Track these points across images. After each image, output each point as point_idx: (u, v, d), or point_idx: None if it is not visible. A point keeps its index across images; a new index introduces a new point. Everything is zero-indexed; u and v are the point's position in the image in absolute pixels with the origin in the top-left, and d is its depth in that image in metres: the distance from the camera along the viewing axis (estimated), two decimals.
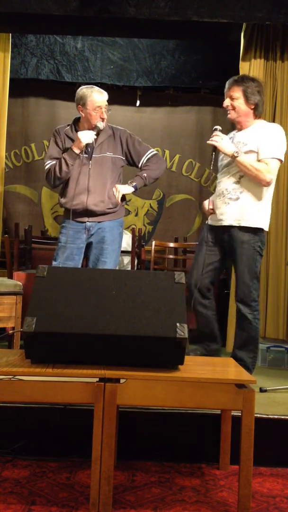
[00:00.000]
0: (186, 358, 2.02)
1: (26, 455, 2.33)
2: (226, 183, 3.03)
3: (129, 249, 5.24)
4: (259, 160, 2.95)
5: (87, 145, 3.23)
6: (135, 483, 2.14)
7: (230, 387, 1.89)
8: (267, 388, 2.88)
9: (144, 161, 3.32)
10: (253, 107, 3.03)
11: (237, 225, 2.96)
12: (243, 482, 1.87)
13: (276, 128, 3.06)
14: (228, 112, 3.07)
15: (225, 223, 3.00)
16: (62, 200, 3.31)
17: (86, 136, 3.15)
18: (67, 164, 3.20)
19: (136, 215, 6.77)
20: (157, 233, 6.73)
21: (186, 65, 5.95)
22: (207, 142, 3.04)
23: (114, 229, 3.27)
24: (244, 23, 4.10)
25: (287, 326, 4.09)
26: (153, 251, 4.30)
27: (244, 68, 4.17)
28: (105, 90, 3.39)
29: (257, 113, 3.06)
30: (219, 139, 2.99)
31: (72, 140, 3.26)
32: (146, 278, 2.10)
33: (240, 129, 3.10)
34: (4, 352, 2.33)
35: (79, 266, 3.29)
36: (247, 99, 3.00)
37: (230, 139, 3.07)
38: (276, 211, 4.14)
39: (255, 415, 1.90)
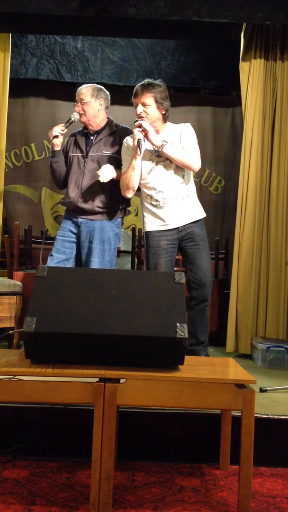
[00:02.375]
0: (186, 358, 2.02)
1: (26, 455, 2.33)
2: (173, 185, 3.09)
3: (129, 249, 5.24)
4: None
5: (86, 143, 3.24)
6: (135, 483, 2.14)
7: (230, 387, 1.89)
8: (267, 388, 2.88)
9: None
10: (164, 112, 3.10)
11: (195, 220, 3.16)
12: (243, 482, 1.87)
13: (189, 126, 3.20)
14: (142, 119, 3.09)
15: (184, 222, 3.11)
16: (61, 200, 3.35)
17: (51, 130, 3.18)
18: (51, 164, 3.27)
19: (136, 215, 6.77)
20: None
21: (186, 65, 5.95)
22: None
23: (106, 230, 3.23)
24: (244, 23, 4.10)
25: (287, 326, 4.09)
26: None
27: (244, 68, 4.17)
28: (106, 90, 3.40)
29: (166, 117, 3.15)
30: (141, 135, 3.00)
31: (75, 141, 3.30)
32: (146, 278, 2.10)
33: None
34: (4, 352, 2.33)
35: (71, 260, 3.27)
36: (159, 105, 3.08)
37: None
38: (276, 211, 4.14)
39: (255, 415, 1.90)
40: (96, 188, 3.20)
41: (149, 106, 3.08)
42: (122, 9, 3.74)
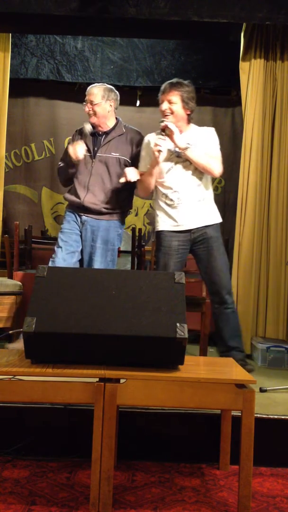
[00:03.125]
0: (186, 358, 2.02)
1: (26, 455, 2.33)
2: (189, 186, 3.07)
3: (129, 249, 5.24)
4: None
5: (94, 143, 3.24)
6: (135, 483, 2.14)
7: (230, 387, 1.89)
8: (267, 388, 2.88)
9: None
10: (189, 112, 3.07)
11: (209, 223, 3.10)
12: (243, 482, 1.87)
13: (213, 130, 3.21)
14: (166, 116, 3.08)
15: (197, 224, 3.08)
16: (66, 194, 3.34)
17: (75, 153, 3.14)
18: (64, 168, 3.28)
19: (136, 215, 6.77)
20: None
21: (186, 65, 5.94)
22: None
23: (110, 230, 3.24)
24: (244, 23, 4.10)
25: (287, 326, 4.09)
26: (153, 251, 4.29)
27: (244, 68, 4.17)
28: (116, 91, 3.39)
29: (190, 118, 3.14)
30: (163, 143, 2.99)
31: (82, 139, 3.28)
32: (146, 278, 2.10)
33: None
34: (4, 352, 2.33)
35: (77, 253, 3.26)
36: (185, 104, 3.06)
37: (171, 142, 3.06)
38: (276, 211, 4.14)
39: (255, 415, 1.90)
40: (104, 189, 3.21)
41: (174, 104, 3.06)
42: (122, 9, 3.74)
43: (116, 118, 3.39)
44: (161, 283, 2.08)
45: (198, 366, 2.18)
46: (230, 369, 2.15)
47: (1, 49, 4.31)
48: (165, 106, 3.09)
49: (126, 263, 5.50)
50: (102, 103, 3.25)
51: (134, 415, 2.40)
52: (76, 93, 6.27)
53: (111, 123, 3.32)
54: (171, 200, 3.08)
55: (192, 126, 3.18)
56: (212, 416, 2.39)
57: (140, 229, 5.82)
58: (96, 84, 3.37)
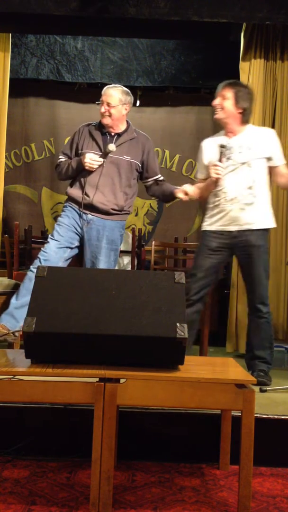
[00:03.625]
0: (186, 358, 2.02)
1: (26, 455, 2.33)
2: (238, 188, 3.05)
3: (129, 249, 5.23)
4: (273, 167, 3.11)
5: (104, 142, 3.25)
6: (135, 483, 2.14)
7: (230, 387, 1.89)
8: (267, 388, 2.88)
9: (153, 182, 3.38)
10: (240, 111, 3.07)
11: (254, 228, 3.04)
12: (243, 482, 1.87)
13: (274, 132, 3.20)
14: (216, 111, 3.10)
15: (242, 228, 3.04)
16: (70, 190, 3.31)
17: (91, 163, 3.15)
18: (71, 170, 3.27)
19: (136, 215, 6.77)
20: (157, 233, 6.73)
21: (186, 65, 5.95)
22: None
23: (115, 230, 3.26)
24: (244, 23, 4.10)
25: (287, 326, 4.09)
26: (153, 251, 4.30)
27: (244, 68, 4.18)
28: (131, 95, 3.40)
29: (244, 119, 3.11)
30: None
31: (92, 137, 3.26)
32: (146, 278, 2.10)
33: (231, 134, 3.11)
34: (4, 352, 2.33)
35: (68, 250, 3.25)
36: (236, 101, 3.06)
37: (227, 144, 3.07)
38: (276, 211, 4.13)
39: (255, 415, 1.90)
40: (113, 190, 3.22)
41: (226, 100, 3.07)
42: (122, 9, 3.74)
43: (127, 122, 3.39)
44: (161, 283, 2.08)
45: (198, 366, 2.18)
46: (230, 369, 2.15)
47: (1, 49, 4.31)
48: (216, 101, 3.11)
49: (126, 263, 5.50)
50: (119, 106, 3.26)
51: (134, 415, 2.40)
52: (76, 93, 6.29)
53: (123, 125, 3.34)
54: (219, 200, 3.09)
55: (249, 127, 3.17)
56: (212, 416, 2.39)
57: (140, 229, 5.83)
58: (114, 85, 3.35)
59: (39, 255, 3.25)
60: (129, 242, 5.57)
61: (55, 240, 3.23)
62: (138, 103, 6.52)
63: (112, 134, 3.30)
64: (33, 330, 1.90)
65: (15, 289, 3.54)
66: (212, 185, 3.09)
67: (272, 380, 3.05)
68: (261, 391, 2.83)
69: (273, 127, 4.16)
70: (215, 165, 3.00)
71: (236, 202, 3.04)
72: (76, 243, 3.27)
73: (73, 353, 1.98)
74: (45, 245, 3.27)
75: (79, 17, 3.87)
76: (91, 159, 3.16)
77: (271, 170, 3.12)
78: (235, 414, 2.27)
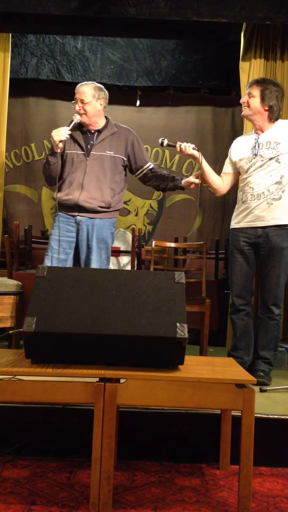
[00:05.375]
0: (186, 358, 2.02)
1: (26, 455, 2.33)
2: (266, 183, 3.03)
3: (129, 249, 5.24)
4: None
5: (85, 141, 3.23)
6: (135, 483, 2.14)
7: (230, 387, 1.89)
8: (267, 388, 2.88)
9: (145, 171, 3.35)
10: (267, 108, 3.07)
11: (280, 224, 3.02)
12: (243, 482, 1.87)
13: None
14: (244, 108, 3.14)
15: (268, 223, 3.03)
16: (57, 194, 3.29)
17: (57, 134, 3.13)
18: (48, 163, 3.24)
19: (136, 215, 6.77)
20: (157, 233, 6.73)
21: (186, 65, 5.95)
22: None
23: (104, 228, 3.23)
24: (244, 23, 4.10)
25: (287, 326, 4.09)
26: (153, 251, 4.30)
27: (244, 68, 4.17)
28: (105, 90, 3.39)
29: (272, 116, 3.10)
30: None
31: (73, 138, 3.26)
32: (146, 278, 2.10)
33: (259, 131, 3.12)
34: (4, 352, 2.33)
35: (69, 260, 3.24)
36: (262, 99, 3.06)
37: (254, 140, 3.10)
38: None
39: (255, 415, 1.90)
40: (99, 187, 3.20)
41: (253, 98, 3.08)
42: (122, 9, 3.74)
43: (106, 117, 3.37)
44: (161, 283, 2.08)
45: (198, 366, 2.18)
46: (230, 369, 2.15)
47: (1, 49, 4.31)
48: (243, 98, 3.14)
49: (126, 263, 5.51)
50: (93, 102, 3.24)
51: (134, 415, 2.40)
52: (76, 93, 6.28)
53: (102, 121, 3.32)
54: (246, 196, 3.09)
55: (279, 123, 3.14)
56: (212, 416, 2.39)
57: (140, 229, 5.83)
58: (85, 82, 3.34)
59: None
60: (129, 242, 5.58)
61: (49, 256, 3.23)
62: (138, 103, 6.53)
63: (92, 131, 3.29)
64: (33, 330, 1.90)
65: (18, 289, 3.56)
66: (201, 165, 3.15)
67: (272, 380, 3.05)
68: (261, 391, 2.83)
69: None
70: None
71: (263, 197, 3.03)
72: (71, 251, 3.26)
73: (73, 353, 1.98)
74: (44, 263, 3.26)
75: (79, 17, 3.86)
76: (56, 131, 3.16)
77: None
78: (235, 414, 2.27)
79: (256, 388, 2.36)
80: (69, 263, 3.27)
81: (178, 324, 1.93)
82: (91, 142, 3.25)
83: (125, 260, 5.71)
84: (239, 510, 1.87)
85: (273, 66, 4.17)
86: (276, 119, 3.12)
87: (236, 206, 3.21)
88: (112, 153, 3.25)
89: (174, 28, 4.27)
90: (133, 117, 6.57)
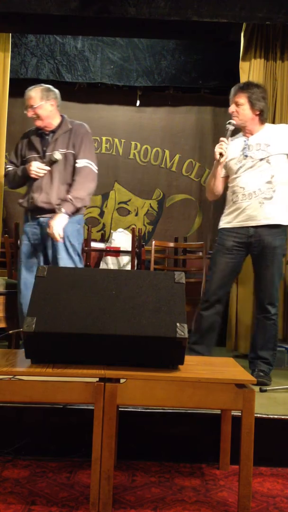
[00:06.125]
0: (186, 358, 2.02)
1: (26, 455, 2.33)
2: (257, 183, 3.03)
3: (129, 249, 5.24)
4: None
5: (42, 143, 3.26)
6: (135, 483, 2.14)
7: (230, 387, 1.89)
8: (267, 388, 2.88)
9: (76, 172, 3.24)
10: (258, 113, 3.08)
11: (272, 223, 3.02)
12: (243, 482, 1.87)
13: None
14: (234, 119, 3.12)
15: (259, 223, 3.02)
16: (20, 200, 3.33)
17: (36, 171, 3.18)
18: (17, 178, 3.30)
19: (136, 215, 6.77)
20: (157, 233, 6.73)
21: (186, 65, 5.95)
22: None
23: (67, 226, 3.17)
24: (244, 23, 4.10)
25: (286, 326, 4.09)
26: (153, 251, 4.30)
27: (244, 68, 4.17)
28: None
29: (263, 118, 3.12)
30: None
31: (31, 142, 3.28)
32: (146, 278, 2.10)
33: (248, 134, 3.12)
34: (4, 352, 2.33)
35: (41, 262, 3.25)
36: (252, 105, 3.07)
37: (244, 142, 3.09)
38: None
39: (255, 415, 1.90)
40: (55, 187, 3.19)
41: (241, 106, 3.09)
42: (122, 9, 3.74)
43: (61, 116, 3.36)
44: (161, 283, 2.08)
45: (198, 366, 2.18)
46: (230, 369, 2.15)
47: (1, 49, 4.31)
48: (232, 108, 3.14)
49: (126, 263, 5.51)
50: (43, 104, 3.23)
51: (134, 415, 2.40)
52: (76, 93, 6.28)
53: (56, 121, 3.31)
54: (237, 196, 3.08)
55: (267, 125, 3.17)
56: (212, 416, 2.39)
57: (140, 229, 5.83)
58: (33, 86, 3.31)
59: (20, 283, 3.29)
60: (129, 242, 5.58)
61: (23, 261, 3.26)
62: (138, 103, 6.52)
63: (47, 132, 3.29)
64: (33, 330, 1.90)
65: (13, 288, 3.55)
66: (217, 168, 3.08)
67: (272, 380, 3.05)
68: (261, 391, 2.83)
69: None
70: (221, 141, 3.00)
71: (255, 196, 3.02)
72: (40, 253, 3.26)
73: (73, 353, 1.98)
74: (18, 269, 3.30)
75: (79, 17, 3.87)
76: (38, 167, 3.18)
77: None
78: (235, 414, 2.27)
79: (256, 388, 2.36)
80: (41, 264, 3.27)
81: (178, 324, 1.93)
82: (47, 143, 3.24)
83: (125, 260, 5.71)
84: (239, 510, 1.87)
85: (273, 66, 4.17)
86: (266, 120, 3.15)
87: (226, 207, 3.19)
88: (64, 150, 3.22)
89: (174, 28, 4.27)
90: (133, 117, 6.57)
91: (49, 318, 1.93)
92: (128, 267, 5.31)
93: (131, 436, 2.39)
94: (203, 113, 6.58)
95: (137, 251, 4.91)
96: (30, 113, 3.24)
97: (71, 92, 6.26)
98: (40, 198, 3.20)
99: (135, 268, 4.83)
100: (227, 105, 6.99)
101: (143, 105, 6.54)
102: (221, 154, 2.99)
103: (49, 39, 5.77)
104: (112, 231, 6.46)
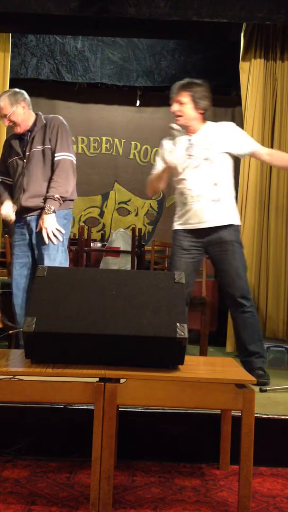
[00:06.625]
0: (186, 358, 2.02)
1: (26, 455, 2.33)
2: (204, 184, 3.01)
3: (129, 249, 5.24)
4: (234, 156, 3.08)
5: (21, 145, 3.24)
6: (135, 483, 2.15)
7: (230, 387, 1.89)
8: (267, 388, 2.88)
9: (54, 165, 3.19)
10: (201, 112, 3.04)
11: (224, 224, 3.01)
12: (243, 482, 1.87)
13: (232, 124, 3.17)
14: (177, 119, 3.03)
15: (212, 224, 3.01)
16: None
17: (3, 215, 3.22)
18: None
19: (136, 215, 6.78)
20: (157, 233, 6.73)
21: (186, 65, 5.95)
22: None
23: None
24: (244, 23, 4.11)
25: (287, 326, 4.10)
26: (153, 251, 4.30)
27: (244, 68, 4.18)
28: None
29: (205, 117, 3.08)
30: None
31: (11, 146, 3.28)
32: (146, 278, 2.10)
33: (191, 133, 3.08)
34: (4, 352, 2.33)
35: (29, 262, 3.26)
36: (195, 104, 3.01)
37: (188, 140, 3.06)
38: (276, 211, 4.14)
39: (255, 415, 1.90)
40: (36, 184, 3.18)
41: (185, 105, 3.02)
42: (122, 9, 3.75)
43: (36, 114, 3.32)
44: (161, 283, 2.08)
45: (198, 366, 2.18)
46: (230, 369, 2.15)
47: (1, 49, 4.31)
48: (175, 107, 3.06)
49: (126, 263, 5.51)
50: (15, 110, 3.18)
51: (134, 415, 2.40)
52: (76, 93, 6.29)
53: (31, 121, 3.28)
54: (185, 198, 3.05)
55: (208, 123, 3.13)
56: (212, 416, 2.39)
57: (140, 229, 5.83)
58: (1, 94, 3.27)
59: (12, 284, 3.32)
60: (129, 242, 5.58)
61: (14, 262, 3.29)
62: (138, 103, 6.53)
63: (23, 134, 3.26)
64: (33, 330, 1.90)
65: (10, 288, 3.56)
66: (165, 172, 3.02)
67: (271, 379, 3.05)
68: (261, 391, 2.83)
69: (273, 127, 4.17)
70: (170, 151, 2.93)
71: (202, 198, 3.00)
72: (30, 252, 3.26)
73: (73, 353, 1.98)
74: (11, 270, 3.33)
75: (79, 17, 3.87)
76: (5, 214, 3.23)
77: (255, 158, 3.12)
78: (235, 414, 2.27)
79: (256, 388, 2.36)
80: (30, 265, 3.27)
81: (178, 324, 1.93)
82: (25, 143, 3.23)
83: (125, 260, 5.71)
84: (239, 510, 1.87)
85: (273, 66, 4.18)
86: (208, 118, 3.11)
87: (177, 208, 3.15)
88: (41, 147, 3.20)
89: (174, 28, 4.27)
90: (133, 117, 6.58)
91: (49, 318, 1.93)
92: (128, 267, 5.31)
93: (131, 436, 2.39)
94: None
95: (137, 251, 4.91)
96: (6, 123, 3.23)
97: (71, 92, 6.28)
98: (23, 198, 3.19)
99: (135, 268, 4.83)
100: (227, 105, 7.02)
101: (143, 105, 6.54)
102: (171, 162, 2.93)
103: (49, 39, 5.77)
104: (112, 231, 6.47)
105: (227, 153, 3.05)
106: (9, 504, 1.91)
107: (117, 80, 5.99)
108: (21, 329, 1.97)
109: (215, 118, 6.65)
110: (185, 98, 3.01)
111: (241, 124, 4.75)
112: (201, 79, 3.11)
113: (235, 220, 3.08)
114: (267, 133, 4.15)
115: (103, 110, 6.50)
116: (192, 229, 3.06)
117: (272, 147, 4.15)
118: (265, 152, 3.12)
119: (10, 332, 3.13)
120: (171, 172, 3.07)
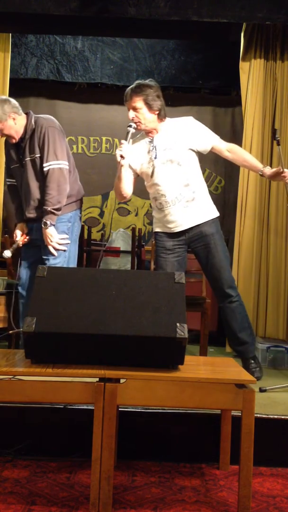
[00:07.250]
0: (186, 358, 2.03)
1: (26, 455, 2.33)
2: (176, 187, 3.00)
3: (129, 249, 5.24)
4: (195, 152, 3.07)
5: (17, 152, 3.23)
6: (135, 483, 2.15)
7: (230, 387, 1.89)
8: (267, 388, 2.88)
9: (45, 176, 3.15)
10: (157, 113, 3.01)
11: (201, 222, 3.03)
12: (243, 482, 1.87)
13: (192, 119, 3.17)
14: (136, 125, 2.99)
15: (190, 225, 3.02)
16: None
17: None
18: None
19: (136, 215, 6.77)
20: None
21: (186, 65, 5.94)
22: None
23: (58, 227, 3.18)
24: (244, 23, 4.10)
25: (287, 326, 4.09)
26: (153, 251, 4.29)
27: (244, 68, 4.18)
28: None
29: (161, 115, 3.05)
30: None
31: (9, 153, 3.28)
32: (146, 278, 2.10)
33: (151, 134, 3.06)
34: (4, 352, 2.33)
35: (37, 263, 3.25)
36: (149, 107, 2.98)
37: (149, 143, 3.04)
38: (276, 211, 4.14)
39: (255, 415, 1.90)
40: (32, 195, 3.18)
41: (140, 110, 2.97)
42: (122, 9, 3.74)
43: (27, 114, 3.22)
44: (161, 283, 2.08)
45: (198, 366, 2.18)
46: (230, 369, 2.15)
47: (1, 49, 4.31)
48: (131, 114, 2.99)
49: (126, 263, 5.50)
50: (5, 123, 3.10)
51: (134, 415, 2.40)
52: (76, 93, 6.28)
53: (23, 126, 3.18)
54: (160, 203, 3.05)
55: (167, 121, 3.10)
56: (212, 416, 2.39)
57: (140, 229, 5.83)
58: None
59: (19, 285, 3.37)
60: (129, 242, 5.58)
61: (22, 264, 3.37)
62: None
63: (17, 141, 3.20)
64: (33, 330, 1.90)
65: (13, 289, 3.56)
66: (121, 171, 2.98)
67: (270, 379, 3.05)
68: (261, 391, 2.83)
69: (273, 127, 4.16)
70: (121, 144, 2.90)
71: (178, 201, 3.00)
72: (38, 257, 3.29)
73: (73, 353, 1.98)
74: (19, 271, 3.41)
75: (79, 17, 3.86)
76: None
77: (216, 152, 3.12)
78: (235, 414, 2.27)
79: (256, 388, 2.36)
80: (35, 266, 3.29)
81: (178, 324, 1.93)
82: (21, 150, 3.20)
83: (125, 260, 5.71)
84: (239, 510, 1.87)
85: (273, 66, 4.17)
86: (165, 116, 3.07)
87: (154, 212, 3.15)
88: (33, 155, 3.16)
89: (174, 28, 4.27)
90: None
91: (49, 318, 1.93)
92: (128, 267, 5.30)
93: (131, 436, 2.39)
94: (203, 113, 6.57)
95: (137, 251, 4.91)
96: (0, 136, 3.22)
97: (71, 92, 6.26)
98: (26, 210, 3.25)
99: (135, 268, 4.83)
100: (227, 105, 7.00)
101: None
102: (121, 156, 2.87)
103: (49, 39, 5.77)
104: (112, 231, 6.46)
105: (191, 149, 3.04)
106: (9, 504, 1.91)
107: (117, 80, 5.98)
108: (21, 329, 1.97)
109: (215, 118, 6.71)
110: (139, 103, 2.97)
111: (241, 124, 4.76)
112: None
113: (213, 213, 3.09)
114: (267, 133, 4.15)
115: (103, 110, 6.49)
116: (170, 232, 3.08)
117: (272, 147, 4.15)
118: (225, 148, 3.12)
119: (10, 332, 3.13)
120: (144, 178, 3.09)
